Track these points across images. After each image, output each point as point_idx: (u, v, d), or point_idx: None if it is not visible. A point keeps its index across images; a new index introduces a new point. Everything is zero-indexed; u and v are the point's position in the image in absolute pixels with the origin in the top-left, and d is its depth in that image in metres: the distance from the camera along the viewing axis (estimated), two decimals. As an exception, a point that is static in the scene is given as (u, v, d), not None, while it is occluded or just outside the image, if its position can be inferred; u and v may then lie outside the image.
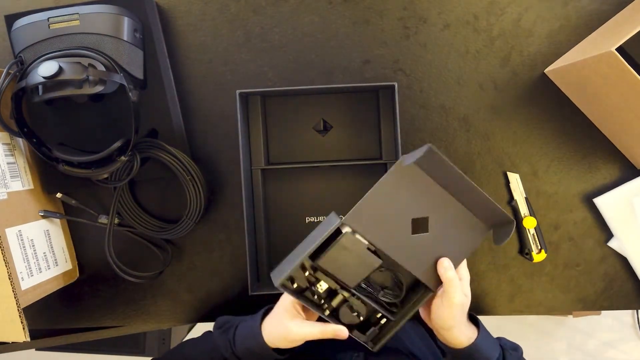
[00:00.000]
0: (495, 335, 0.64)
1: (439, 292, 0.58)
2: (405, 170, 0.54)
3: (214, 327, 0.65)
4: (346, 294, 0.57)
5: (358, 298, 0.57)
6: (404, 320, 0.58)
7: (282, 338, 0.57)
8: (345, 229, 0.54)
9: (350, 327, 0.57)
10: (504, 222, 0.57)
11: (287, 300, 0.58)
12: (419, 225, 0.56)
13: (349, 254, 0.54)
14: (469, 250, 0.59)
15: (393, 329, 0.59)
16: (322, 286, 0.56)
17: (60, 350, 1.31)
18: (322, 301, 0.57)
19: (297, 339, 0.56)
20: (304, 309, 0.59)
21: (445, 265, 0.57)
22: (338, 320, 0.57)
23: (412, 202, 0.55)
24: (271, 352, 0.58)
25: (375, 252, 0.56)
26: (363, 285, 0.58)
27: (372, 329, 0.58)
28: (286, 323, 0.56)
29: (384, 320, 0.59)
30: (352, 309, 0.57)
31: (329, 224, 0.56)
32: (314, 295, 0.57)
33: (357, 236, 0.55)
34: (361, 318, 0.57)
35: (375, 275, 0.58)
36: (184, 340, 0.68)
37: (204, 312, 0.78)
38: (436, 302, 0.58)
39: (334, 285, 0.56)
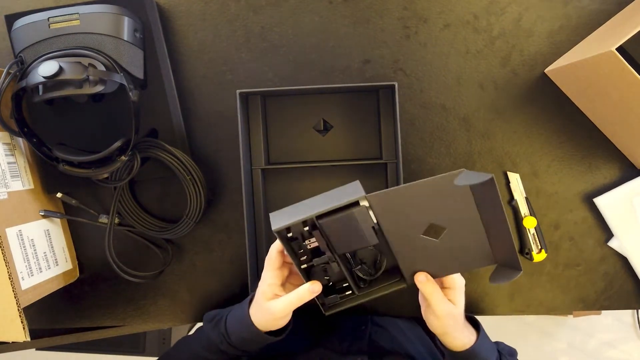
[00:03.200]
0: (495, 336, 0.64)
1: (426, 302, 0.57)
2: (456, 189, 0.53)
3: (204, 322, 0.66)
4: (328, 258, 0.57)
5: (337, 265, 0.57)
6: (364, 299, 0.59)
7: (268, 320, 0.58)
8: (363, 203, 0.54)
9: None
10: (512, 266, 0.54)
11: (263, 285, 0.58)
12: (434, 231, 0.55)
13: (353, 225, 0.55)
14: (467, 268, 0.57)
15: (352, 302, 0.59)
16: (312, 244, 0.57)
17: (60, 350, 1.31)
18: (304, 257, 0.58)
19: (281, 315, 0.56)
20: (285, 283, 0.59)
21: (420, 280, 0.56)
22: (308, 279, 0.58)
23: (441, 212, 0.54)
24: (265, 336, 0.59)
25: (375, 231, 0.56)
26: (347, 255, 0.58)
27: (334, 296, 0.59)
28: (266, 305, 0.57)
29: (348, 292, 0.59)
30: (325, 272, 0.58)
31: (350, 192, 0.55)
32: (300, 249, 0.57)
33: (370, 213, 0.55)
34: (330, 281, 0.58)
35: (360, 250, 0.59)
36: (177, 341, 0.68)
37: (204, 312, 0.77)
38: (425, 311, 0.58)
39: (323, 247, 0.56)
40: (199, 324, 0.69)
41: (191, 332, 1.34)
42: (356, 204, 0.54)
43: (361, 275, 0.59)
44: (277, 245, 0.57)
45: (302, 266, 0.57)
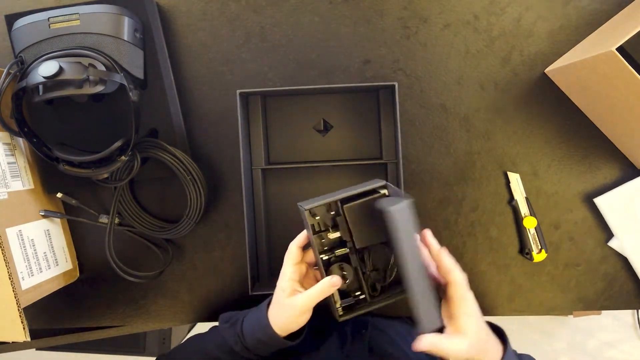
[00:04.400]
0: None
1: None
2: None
3: (220, 322, 0.65)
4: (349, 247, 0.59)
5: (355, 266, 0.59)
6: (376, 306, 0.59)
7: (290, 317, 0.57)
8: (384, 191, 0.57)
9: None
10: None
11: (282, 281, 0.58)
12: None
13: (373, 213, 0.56)
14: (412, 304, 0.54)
15: (364, 309, 0.59)
16: (334, 235, 0.59)
17: (60, 350, 1.31)
18: (325, 248, 0.59)
19: (303, 309, 0.56)
20: (303, 282, 0.59)
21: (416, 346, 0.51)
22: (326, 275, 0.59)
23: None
24: (281, 340, 0.58)
25: None
26: (363, 255, 0.59)
27: (348, 298, 0.60)
28: (287, 301, 0.56)
29: (361, 296, 0.60)
30: (342, 270, 0.59)
31: (373, 182, 0.58)
32: (321, 240, 0.59)
33: None
34: (347, 282, 0.59)
35: (375, 254, 0.60)
36: (189, 336, 0.68)
37: (204, 312, 0.78)
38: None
39: (344, 234, 0.58)
40: (200, 325, 0.69)
41: (192, 332, 1.34)
42: (377, 191, 0.57)
43: (373, 279, 0.60)
44: (296, 241, 0.59)
45: (323, 257, 0.58)
